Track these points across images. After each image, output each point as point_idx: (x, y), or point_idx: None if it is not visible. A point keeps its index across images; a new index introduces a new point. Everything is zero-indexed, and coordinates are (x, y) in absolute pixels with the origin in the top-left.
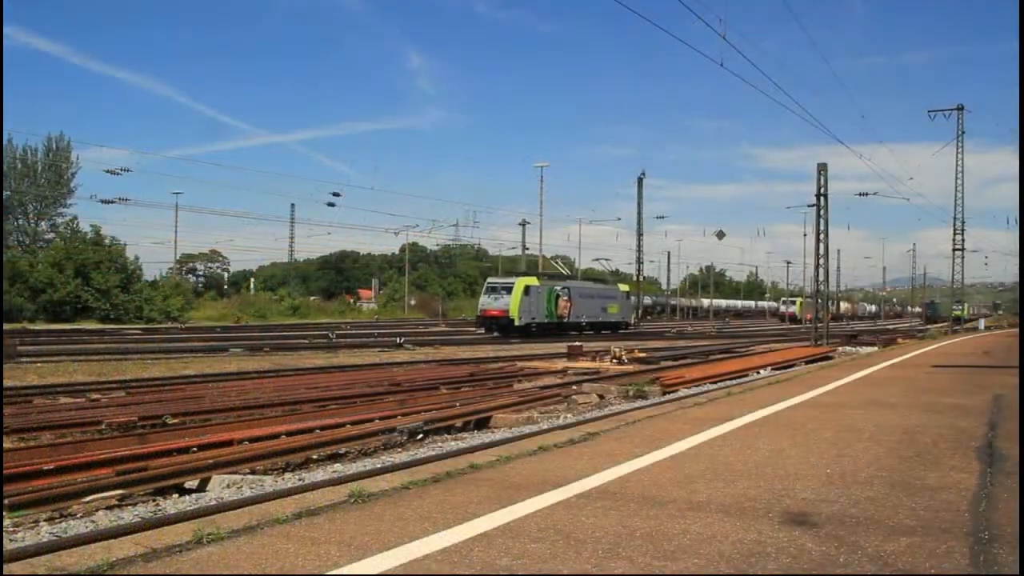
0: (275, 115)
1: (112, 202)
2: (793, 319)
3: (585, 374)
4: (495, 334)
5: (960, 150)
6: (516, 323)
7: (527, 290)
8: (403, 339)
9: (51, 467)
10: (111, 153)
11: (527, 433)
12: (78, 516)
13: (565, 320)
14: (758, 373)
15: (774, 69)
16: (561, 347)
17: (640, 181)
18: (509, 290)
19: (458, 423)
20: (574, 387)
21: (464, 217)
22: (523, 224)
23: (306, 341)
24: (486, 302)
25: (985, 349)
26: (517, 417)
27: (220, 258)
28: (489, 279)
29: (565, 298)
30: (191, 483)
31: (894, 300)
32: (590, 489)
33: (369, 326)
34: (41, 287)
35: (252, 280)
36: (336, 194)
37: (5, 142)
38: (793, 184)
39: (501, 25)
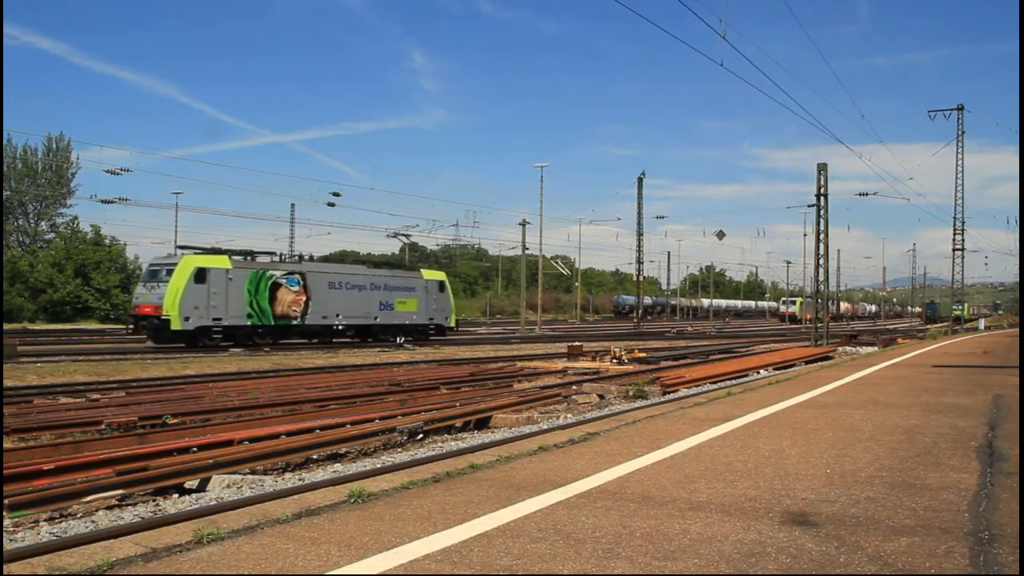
0: (276, 114)
1: (112, 202)
2: (793, 319)
3: (585, 374)
4: (148, 343)
5: (960, 150)
6: (175, 326)
7: (200, 274)
8: (403, 339)
9: (51, 467)
10: (111, 153)
11: (527, 433)
12: (78, 516)
13: (296, 322)
14: (758, 373)
15: (775, 69)
16: (561, 347)
17: (640, 181)
18: (172, 273)
19: (458, 423)
20: (574, 387)
21: (464, 217)
22: (523, 224)
23: (306, 341)
24: (140, 293)
25: (985, 349)
26: (517, 417)
27: None
28: (153, 258)
29: (294, 288)
30: (191, 483)
31: (894, 300)
32: (590, 489)
33: None
34: (41, 287)
35: None
36: (336, 194)
37: (5, 142)
38: (794, 184)
39: (504, 25)
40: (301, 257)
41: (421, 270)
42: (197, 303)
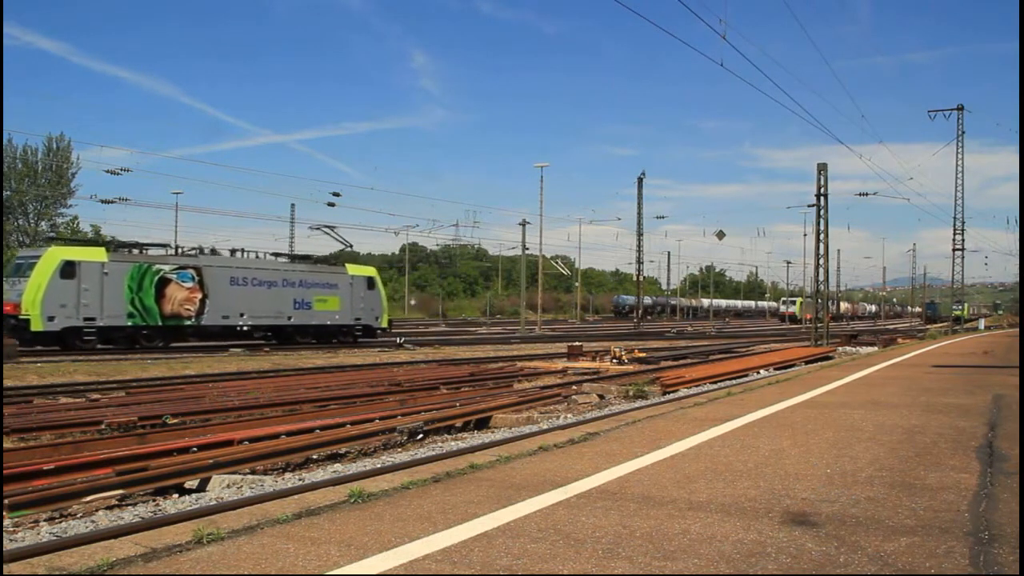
0: (277, 114)
1: (112, 202)
2: (793, 319)
3: (585, 374)
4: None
5: (960, 150)
6: (35, 326)
7: (68, 268)
8: (403, 339)
9: (51, 467)
10: (111, 153)
11: (527, 433)
12: (78, 516)
13: (190, 322)
14: (758, 373)
15: (775, 69)
16: (561, 347)
17: (640, 181)
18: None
19: (458, 423)
20: (574, 387)
21: (465, 217)
22: (523, 224)
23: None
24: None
25: (985, 349)
26: (517, 417)
27: None
28: (22, 251)
29: (187, 284)
30: (191, 483)
31: (894, 300)
32: (590, 489)
33: None
34: None
35: None
36: (336, 194)
37: (5, 142)
38: (794, 184)
39: (505, 25)
40: (201, 250)
41: (347, 265)
42: (64, 301)
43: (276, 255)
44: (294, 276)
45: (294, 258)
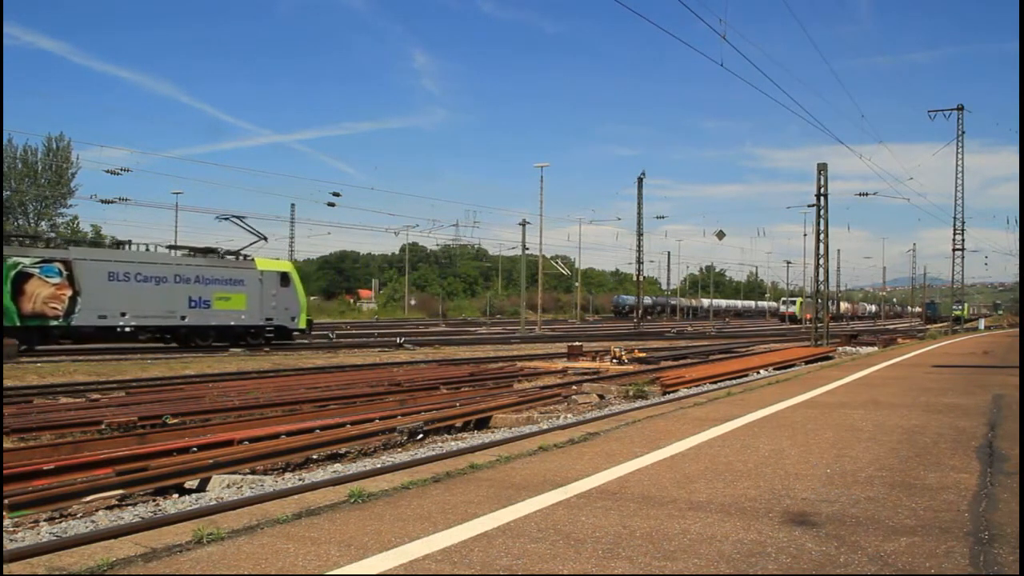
0: (277, 115)
1: (112, 202)
2: (793, 319)
3: (585, 374)
4: None
5: (960, 150)
6: None
7: None
8: (403, 339)
9: (51, 467)
10: (111, 153)
11: (527, 433)
12: (78, 516)
13: (57, 322)
14: (758, 373)
15: (775, 69)
16: (561, 347)
17: (640, 181)
18: None
19: (458, 423)
20: (574, 387)
21: (465, 217)
22: (523, 224)
23: (306, 341)
24: None
25: (985, 349)
26: (517, 417)
27: None
28: None
29: (54, 280)
30: (191, 483)
31: (894, 300)
32: (590, 489)
33: (369, 326)
34: None
35: None
36: (336, 194)
37: (5, 142)
38: (794, 184)
39: (507, 25)
40: (74, 241)
41: (256, 259)
42: None
43: (172, 248)
44: (189, 271)
45: (195, 251)
